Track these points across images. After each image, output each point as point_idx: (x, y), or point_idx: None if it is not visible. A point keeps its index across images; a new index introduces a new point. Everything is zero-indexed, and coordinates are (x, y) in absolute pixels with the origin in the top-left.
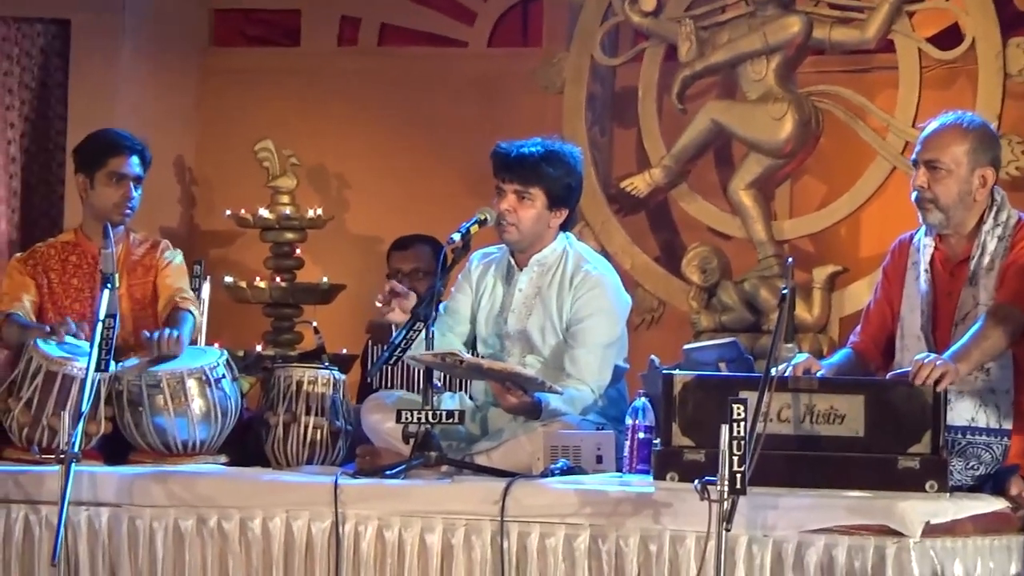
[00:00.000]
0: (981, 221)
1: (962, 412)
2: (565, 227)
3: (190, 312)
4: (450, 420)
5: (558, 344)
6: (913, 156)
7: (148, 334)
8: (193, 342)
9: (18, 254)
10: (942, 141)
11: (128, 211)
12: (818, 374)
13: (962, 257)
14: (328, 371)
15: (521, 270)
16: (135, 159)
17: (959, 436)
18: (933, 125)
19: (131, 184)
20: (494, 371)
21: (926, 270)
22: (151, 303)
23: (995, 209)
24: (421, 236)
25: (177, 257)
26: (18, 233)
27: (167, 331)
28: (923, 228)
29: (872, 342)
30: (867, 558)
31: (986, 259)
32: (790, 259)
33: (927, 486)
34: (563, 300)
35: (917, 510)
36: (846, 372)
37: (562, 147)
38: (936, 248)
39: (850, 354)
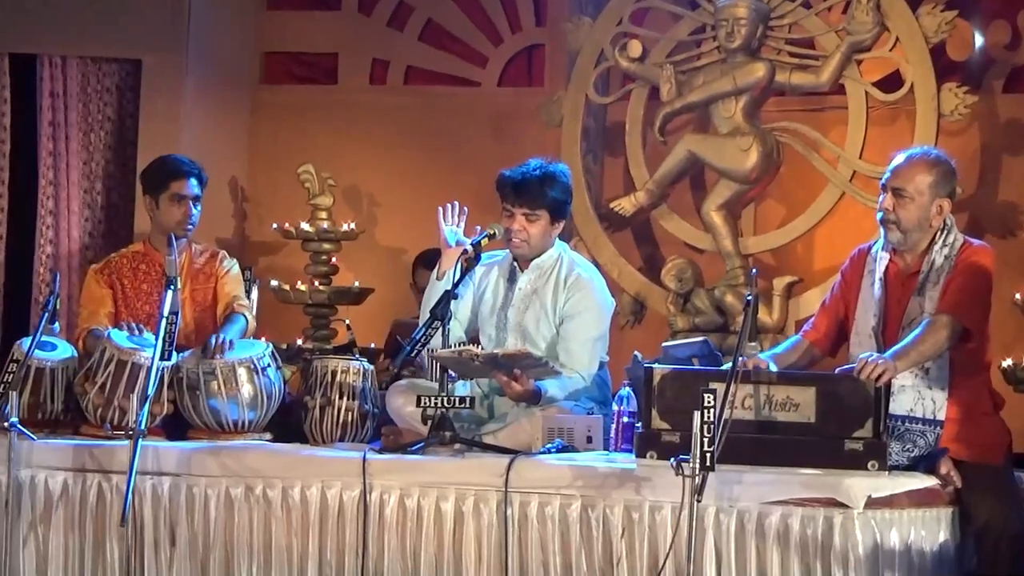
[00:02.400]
0: (932, 241)
1: (903, 403)
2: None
3: (243, 316)
4: (462, 405)
5: (552, 336)
6: (882, 180)
7: (208, 341)
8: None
9: (94, 265)
10: (910, 171)
11: (190, 226)
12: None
13: (913, 270)
14: (359, 362)
15: (523, 272)
16: (193, 181)
17: (899, 423)
18: (905, 155)
19: (191, 203)
20: (508, 356)
21: (880, 279)
22: (210, 306)
23: (946, 232)
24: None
25: (234, 267)
26: (103, 241)
27: (221, 337)
28: (880, 241)
29: (823, 333)
30: (817, 526)
31: (933, 274)
32: (754, 270)
33: (869, 465)
34: (557, 298)
35: (860, 486)
36: (793, 355)
37: (555, 168)
38: (891, 261)
39: (799, 340)
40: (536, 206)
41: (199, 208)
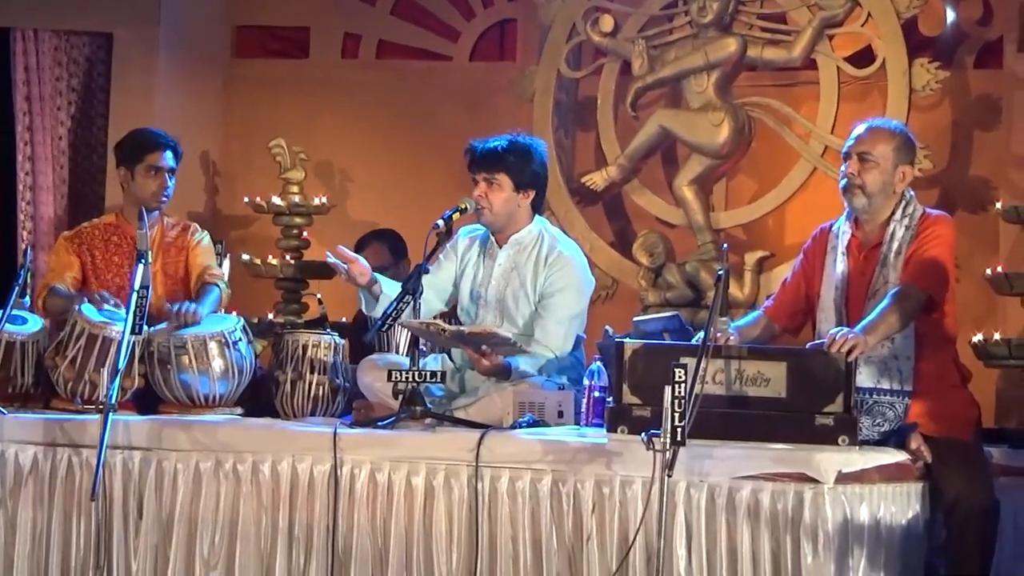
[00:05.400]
0: (892, 213)
1: (870, 375)
2: (536, 208)
3: (217, 285)
4: (433, 379)
5: (531, 313)
6: (845, 149)
7: (171, 307)
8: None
9: (66, 232)
10: (873, 138)
11: (164, 198)
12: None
13: (875, 243)
14: (329, 336)
15: (501, 247)
16: (169, 154)
17: (867, 396)
18: (865, 125)
19: (166, 175)
20: (475, 334)
21: (843, 253)
22: (182, 278)
23: (904, 203)
24: (380, 231)
25: (205, 238)
26: (66, 215)
27: (187, 305)
28: (842, 217)
29: (782, 310)
30: (788, 501)
31: (895, 245)
32: (725, 245)
33: (839, 440)
34: (537, 274)
35: (831, 460)
36: (754, 330)
37: (524, 139)
38: (853, 234)
39: (760, 316)
40: (495, 170)
41: (174, 181)
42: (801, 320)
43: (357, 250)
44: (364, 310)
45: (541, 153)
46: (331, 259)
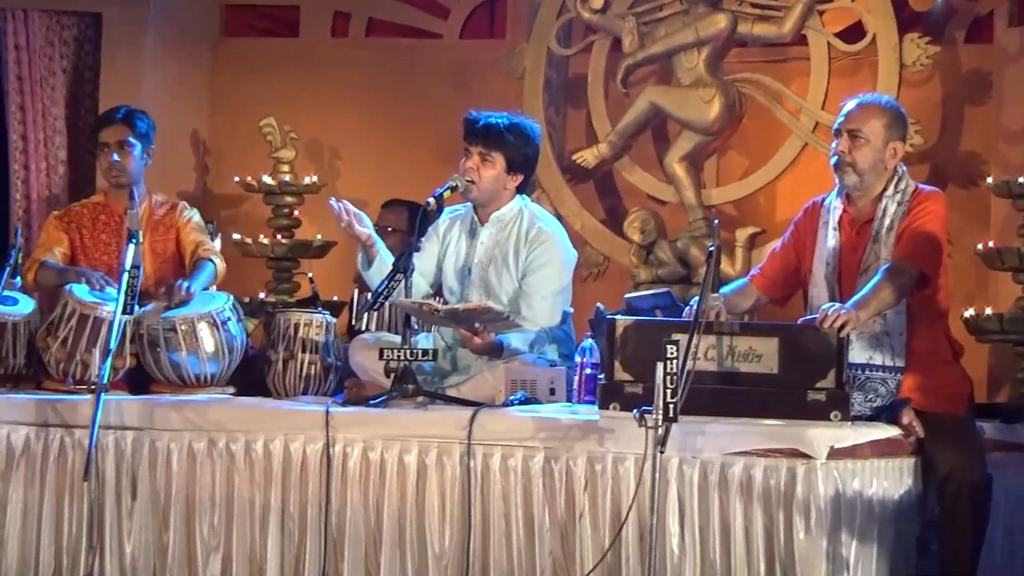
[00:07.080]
0: (884, 189)
1: (862, 351)
2: (522, 190)
3: (211, 261)
4: (425, 357)
5: (514, 290)
6: (835, 126)
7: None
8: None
9: (56, 212)
10: (864, 115)
11: (116, 174)
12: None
13: (867, 218)
14: (321, 315)
15: (483, 226)
16: (116, 128)
17: (859, 372)
18: (855, 101)
19: (113, 152)
20: (469, 311)
21: (835, 228)
22: (171, 256)
23: (896, 179)
24: (402, 200)
25: (195, 215)
26: (65, 195)
27: (179, 283)
28: (834, 192)
29: (768, 279)
30: (780, 477)
31: (887, 220)
32: (716, 221)
33: (832, 415)
34: (519, 251)
35: (823, 436)
36: (741, 298)
37: (523, 121)
38: (844, 210)
39: (747, 284)
40: (492, 147)
41: (133, 152)
42: (788, 291)
43: (383, 209)
44: (359, 267)
45: (538, 139)
46: (332, 203)
